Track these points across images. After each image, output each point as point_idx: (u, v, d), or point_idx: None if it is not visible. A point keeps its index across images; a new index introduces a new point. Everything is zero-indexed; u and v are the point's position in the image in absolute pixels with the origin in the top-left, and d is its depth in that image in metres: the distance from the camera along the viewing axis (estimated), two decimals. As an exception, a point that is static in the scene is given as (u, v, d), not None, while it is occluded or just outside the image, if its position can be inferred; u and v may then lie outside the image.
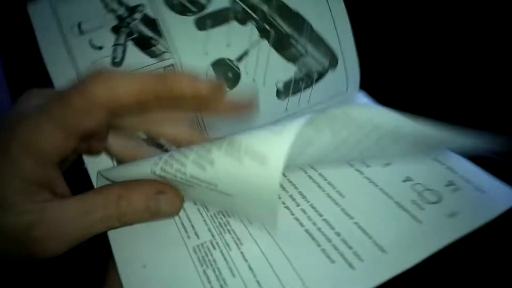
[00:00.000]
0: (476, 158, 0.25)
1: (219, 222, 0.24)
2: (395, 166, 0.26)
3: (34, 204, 0.19)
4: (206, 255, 0.23)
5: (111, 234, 0.24)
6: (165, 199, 0.21)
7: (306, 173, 0.27)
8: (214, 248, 0.23)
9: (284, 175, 0.27)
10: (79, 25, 0.27)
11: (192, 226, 0.24)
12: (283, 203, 0.25)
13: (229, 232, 0.24)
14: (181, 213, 0.25)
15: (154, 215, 0.21)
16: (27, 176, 0.19)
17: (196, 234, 0.24)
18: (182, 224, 0.24)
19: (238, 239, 0.23)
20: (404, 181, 0.25)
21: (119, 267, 0.22)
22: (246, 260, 0.22)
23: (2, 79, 0.42)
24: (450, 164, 0.25)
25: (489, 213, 0.22)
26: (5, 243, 0.19)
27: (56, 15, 0.27)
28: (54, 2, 0.27)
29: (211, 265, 0.22)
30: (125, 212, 0.20)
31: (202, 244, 0.23)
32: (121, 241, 0.24)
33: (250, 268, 0.22)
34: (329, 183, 0.26)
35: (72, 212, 0.20)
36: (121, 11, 0.28)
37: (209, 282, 0.21)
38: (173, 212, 0.22)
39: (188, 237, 0.24)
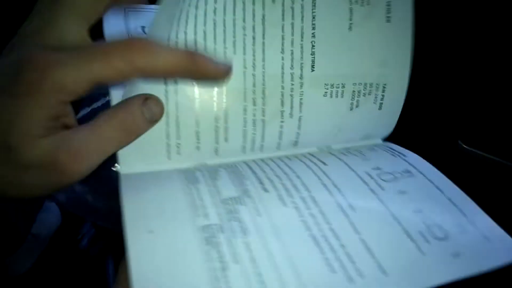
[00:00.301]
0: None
1: (229, 209, 0.24)
2: (410, 196, 0.27)
3: (56, 132, 0.22)
4: (212, 236, 0.23)
5: (125, 196, 0.25)
6: (152, 101, 0.25)
7: (321, 180, 0.27)
8: (221, 232, 0.23)
9: (298, 177, 0.27)
10: (143, 28, 0.29)
11: (203, 206, 0.24)
12: (294, 203, 0.25)
13: (237, 220, 0.24)
14: (194, 191, 0.25)
15: (150, 119, 0.25)
16: (47, 110, 0.22)
17: (205, 215, 0.24)
18: (194, 202, 0.25)
19: (245, 229, 0.23)
20: (416, 212, 0.25)
21: (126, 229, 0.22)
22: (249, 251, 0.22)
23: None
24: (462, 207, 0.26)
25: (491, 263, 0.23)
26: (32, 172, 0.22)
27: (127, 24, 0.29)
28: (126, 12, 0.29)
29: (216, 246, 0.22)
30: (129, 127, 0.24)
31: (209, 226, 0.23)
32: (133, 204, 0.24)
33: (253, 259, 0.22)
34: (343, 195, 0.26)
35: (89, 136, 0.23)
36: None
37: (211, 261, 0.21)
38: (161, 112, 0.26)
39: (197, 215, 0.24)
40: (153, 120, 0.26)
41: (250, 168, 0.29)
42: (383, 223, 0.24)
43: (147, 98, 0.25)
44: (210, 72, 0.24)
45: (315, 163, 0.29)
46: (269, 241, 0.23)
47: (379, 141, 0.35)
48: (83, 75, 0.21)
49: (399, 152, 0.31)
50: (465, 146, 0.32)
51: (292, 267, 0.22)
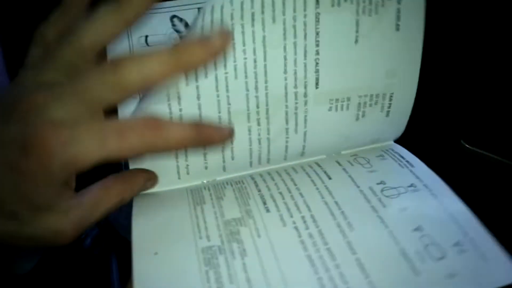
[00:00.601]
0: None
1: (230, 230, 0.26)
2: (411, 212, 0.27)
3: (62, 203, 0.23)
4: (212, 257, 0.24)
5: (134, 221, 0.27)
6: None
7: (323, 198, 0.28)
8: (221, 253, 0.25)
9: (301, 195, 0.28)
10: (146, 38, 0.29)
11: (206, 228, 0.26)
12: (294, 222, 0.26)
13: (237, 241, 0.25)
14: (199, 213, 0.27)
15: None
16: (55, 185, 0.22)
17: (207, 236, 0.26)
18: (198, 224, 0.26)
19: (244, 250, 0.25)
20: (415, 230, 0.26)
21: (134, 250, 0.25)
22: (245, 272, 0.24)
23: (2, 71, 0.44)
24: (463, 224, 0.26)
25: (486, 285, 0.23)
26: (33, 238, 0.23)
27: (129, 35, 0.30)
28: None
29: (214, 267, 0.24)
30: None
31: (210, 247, 0.25)
32: (142, 228, 0.27)
33: (248, 280, 0.23)
34: (343, 213, 0.27)
35: (87, 205, 0.24)
36: (186, 33, 0.30)
37: (208, 282, 0.23)
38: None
39: (200, 237, 0.26)
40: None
41: (256, 184, 0.30)
42: (380, 243, 0.25)
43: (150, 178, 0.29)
44: (215, 139, 0.24)
45: (320, 177, 0.30)
46: (265, 262, 0.24)
47: (391, 142, 0.35)
48: (95, 153, 0.21)
49: (407, 161, 0.31)
50: (467, 146, 0.31)
51: (285, 287, 0.23)
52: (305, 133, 0.32)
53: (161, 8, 0.31)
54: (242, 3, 0.28)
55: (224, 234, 0.26)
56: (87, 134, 0.21)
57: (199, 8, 0.31)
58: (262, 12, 0.28)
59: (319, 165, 0.32)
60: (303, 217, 0.27)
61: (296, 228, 0.26)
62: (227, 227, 0.26)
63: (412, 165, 0.31)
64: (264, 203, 0.28)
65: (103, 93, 0.22)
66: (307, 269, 0.24)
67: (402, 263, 0.24)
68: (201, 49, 0.22)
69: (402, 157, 0.32)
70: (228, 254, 0.25)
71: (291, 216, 0.27)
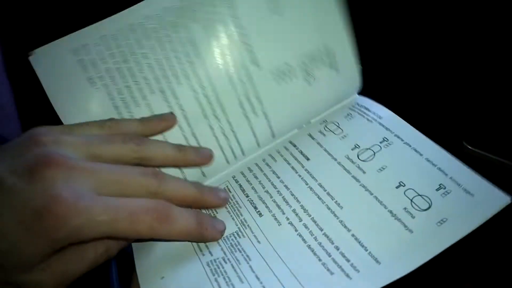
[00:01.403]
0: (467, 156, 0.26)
1: (230, 243, 0.27)
2: (391, 170, 0.28)
3: (44, 262, 0.23)
4: (218, 267, 0.26)
5: (135, 248, 0.29)
6: None
7: (307, 184, 0.29)
8: (226, 262, 0.26)
9: (287, 187, 0.29)
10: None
11: (207, 246, 0.28)
12: (287, 218, 0.28)
13: (239, 251, 0.27)
14: None
15: None
16: (53, 249, 0.22)
17: (210, 252, 0.27)
18: (198, 245, 0.28)
19: (248, 256, 0.26)
20: (397, 187, 0.27)
21: (140, 277, 0.26)
22: (253, 271, 0.25)
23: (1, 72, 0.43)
24: (441, 165, 0.27)
25: (478, 218, 0.24)
26: (17, 284, 0.23)
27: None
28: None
29: (222, 274, 0.26)
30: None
31: (214, 260, 0.27)
32: (143, 254, 0.28)
33: (257, 278, 0.25)
34: (328, 194, 0.28)
35: (71, 262, 0.24)
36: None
37: (218, 284, 0.25)
38: None
39: (203, 254, 0.27)
40: None
41: (242, 188, 0.31)
42: (369, 212, 0.26)
43: None
44: (216, 236, 0.28)
45: (298, 161, 0.31)
46: (271, 262, 0.26)
47: (355, 96, 0.35)
48: (102, 229, 0.22)
49: (373, 113, 0.32)
50: (469, 147, 0.32)
51: (295, 279, 0.24)
52: (265, 113, 0.33)
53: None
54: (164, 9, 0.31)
55: (225, 247, 0.27)
56: (102, 209, 0.22)
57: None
58: (182, 16, 0.31)
59: (294, 145, 0.32)
60: (294, 210, 0.28)
61: (290, 223, 0.27)
62: (227, 242, 0.28)
63: (380, 117, 0.31)
64: (255, 208, 0.29)
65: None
66: (311, 258, 0.25)
67: (394, 225, 0.25)
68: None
69: (369, 110, 0.32)
70: (233, 262, 0.26)
71: (283, 213, 0.28)
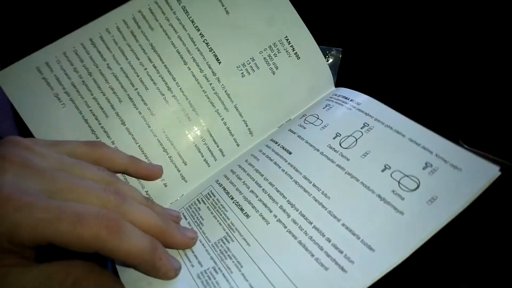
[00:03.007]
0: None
1: (220, 250, 0.26)
2: (374, 154, 0.27)
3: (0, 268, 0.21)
4: (210, 278, 0.25)
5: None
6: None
7: (291, 178, 0.28)
8: (217, 272, 0.25)
9: (271, 184, 0.28)
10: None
11: (195, 256, 0.26)
12: (275, 216, 0.27)
13: (230, 257, 0.26)
14: None
15: None
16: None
17: (199, 263, 0.26)
18: (186, 255, 0.27)
19: (239, 262, 0.25)
20: (383, 170, 0.26)
21: (126, 284, 0.24)
22: (246, 280, 0.24)
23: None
24: (425, 143, 0.26)
25: (468, 192, 0.23)
26: None
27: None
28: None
29: (214, 286, 0.24)
30: None
31: (205, 271, 0.25)
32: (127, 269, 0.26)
33: (251, 286, 0.24)
34: (314, 185, 0.27)
35: (31, 280, 0.21)
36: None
37: None
38: None
39: (192, 265, 0.26)
40: None
41: (226, 191, 0.30)
42: (357, 197, 0.25)
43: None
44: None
45: (281, 156, 0.30)
46: (263, 265, 0.25)
47: (332, 89, 0.35)
48: (41, 230, 0.20)
49: (351, 100, 0.31)
50: (466, 146, 0.32)
51: (289, 281, 0.23)
52: (236, 107, 0.33)
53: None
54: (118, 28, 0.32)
55: (215, 255, 0.26)
56: (45, 207, 0.20)
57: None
58: (139, 27, 0.32)
59: (275, 142, 0.32)
60: (281, 207, 0.27)
61: (279, 220, 0.26)
62: (217, 249, 0.26)
63: (358, 103, 0.31)
64: (242, 210, 0.28)
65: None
66: (303, 255, 0.24)
67: (384, 209, 0.24)
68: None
69: (347, 98, 0.32)
70: (225, 271, 0.25)
71: (270, 211, 0.27)
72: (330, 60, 0.38)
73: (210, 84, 0.32)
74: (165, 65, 0.31)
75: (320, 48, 0.35)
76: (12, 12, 0.40)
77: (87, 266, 0.22)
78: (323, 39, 0.37)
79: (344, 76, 0.38)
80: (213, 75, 0.32)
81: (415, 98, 0.34)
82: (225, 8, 0.33)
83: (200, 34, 0.32)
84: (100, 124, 0.31)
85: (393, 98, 0.32)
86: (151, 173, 0.30)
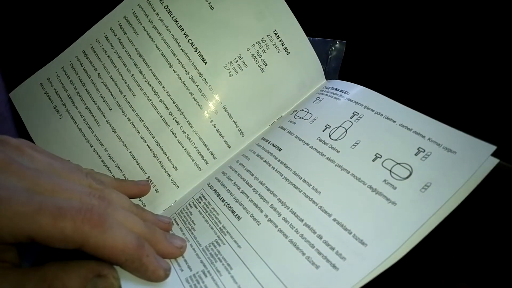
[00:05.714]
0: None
1: (210, 253, 0.25)
2: (365, 144, 0.26)
3: None
4: (198, 282, 0.24)
5: None
6: (103, 282, 0.21)
7: (282, 175, 0.27)
8: (206, 275, 0.24)
9: (262, 183, 0.28)
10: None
11: (185, 260, 0.26)
12: (266, 216, 0.26)
13: (219, 260, 0.25)
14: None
15: None
16: None
17: (189, 267, 0.25)
18: (176, 260, 0.26)
19: (228, 264, 0.24)
20: (374, 159, 0.25)
21: None
22: (236, 282, 0.23)
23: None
24: (416, 128, 0.25)
25: (464, 175, 0.21)
26: None
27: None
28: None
29: None
30: None
31: (194, 275, 0.24)
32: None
33: None
34: (304, 181, 0.26)
35: (6, 284, 0.20)
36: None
37: None
38: None
39: (181, 270, 0.25)
40: None
41: (217, 193, 0.29)
42: (348, 190, 0.24)
43: (100, 274, 0.22)
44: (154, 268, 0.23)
45: (270, 153, 0.29)
46: (253, 267, 0.24)
47: (324, 82, 0.34)
48: (21, 223, 0.19)
49: (341, 91, 0.30)
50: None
51: (279, 282, 0.22)
52: (225, 108, 0.32)
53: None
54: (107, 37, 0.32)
55: (205, 258, 0.25)
56: (25, 200, 0.19)
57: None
58: (125, 33, 0.32)
59: (266, 140, 0.31)
60: (272, 206, 0.26)
61: (270, 220, 0.25)
62: (207, 252, 0.26)
63: (347, 92, 0.29)
64: (233, 212, 0.27)
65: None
66: (294, 254, 0.23)
67: (376, 200, 0.23)
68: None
69: (336, 89, 0.31)
70: (214, 274, 0.24)
71: (261, 211, 0.26)
72: (334, 53, 0.37)
73: (197, 86, 0.31)
74: (150, 70, 0.31)
75: (323, 40, 0.34)
76: (12, 17, 0.41)
77: (63, 264, 0.21)
78: (328, 32, 0.36)
79: (348, 69, 0.36)
80: (200, 76, 0.32)
81: (419, 91, 0.33)
82: (209, 3, 0.32)
83: (184, 34, 0.32)
84: (93, 132, 0.31)
85: (397, 91, 0.30)
86: (139, 191, 0.30)
